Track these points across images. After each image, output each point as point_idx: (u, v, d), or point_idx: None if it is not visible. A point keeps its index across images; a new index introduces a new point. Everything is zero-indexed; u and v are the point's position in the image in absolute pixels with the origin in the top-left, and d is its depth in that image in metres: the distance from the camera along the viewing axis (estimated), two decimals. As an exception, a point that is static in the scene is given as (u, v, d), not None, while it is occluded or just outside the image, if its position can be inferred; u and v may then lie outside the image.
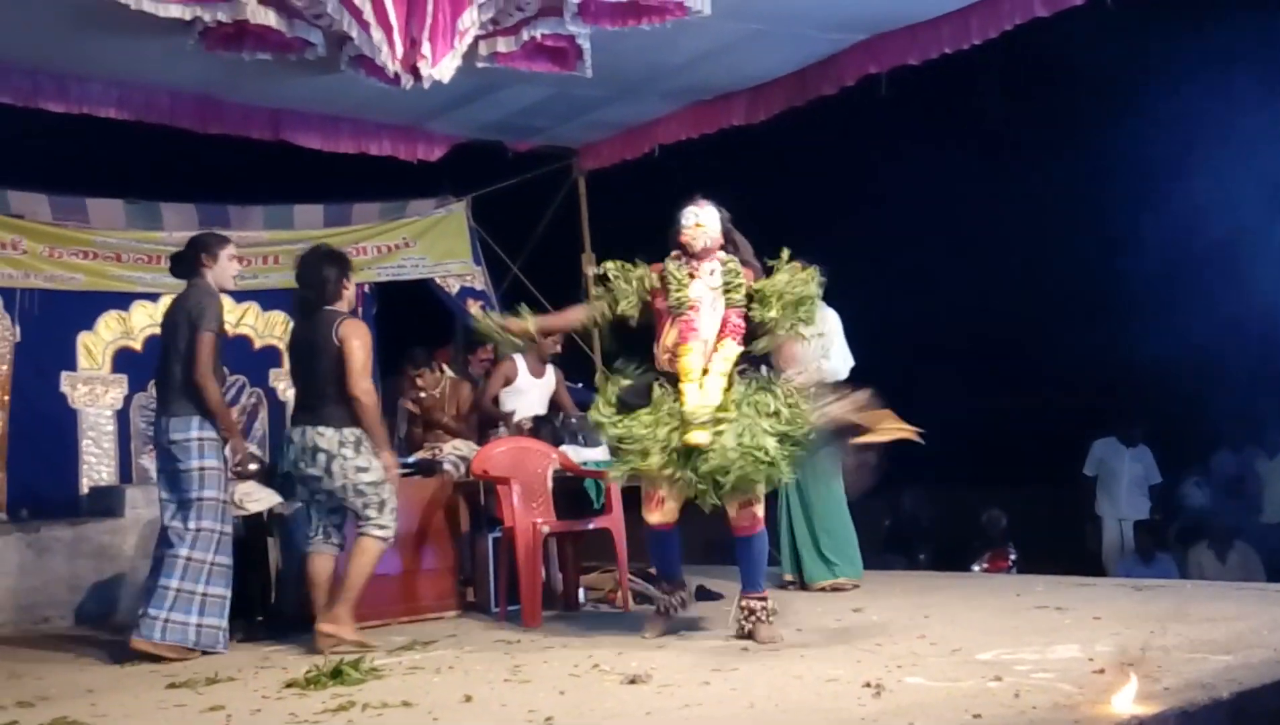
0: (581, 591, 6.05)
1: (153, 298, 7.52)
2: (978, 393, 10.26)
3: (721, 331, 4.68)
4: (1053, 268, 11.21)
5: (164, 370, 5.07)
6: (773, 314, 4.65)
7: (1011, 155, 10.31)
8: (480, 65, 5.95)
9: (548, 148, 8.42)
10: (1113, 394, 9.81)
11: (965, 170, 10.79)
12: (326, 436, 4.94)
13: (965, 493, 9.16)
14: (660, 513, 4.72)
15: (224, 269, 5.14)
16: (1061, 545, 9.35)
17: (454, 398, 6.98)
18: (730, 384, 4.59)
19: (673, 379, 4.65)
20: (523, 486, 5.70)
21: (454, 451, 6.51)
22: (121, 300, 7.52)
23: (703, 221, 4.77)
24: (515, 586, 5.65)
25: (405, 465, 6.38)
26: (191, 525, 4.88)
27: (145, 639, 4.79)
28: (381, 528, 4.99)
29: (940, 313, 11.17)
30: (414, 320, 8.68)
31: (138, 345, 7.54)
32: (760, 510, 4.65)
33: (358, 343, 4.96)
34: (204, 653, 4.85)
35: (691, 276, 4.74)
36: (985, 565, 8.01)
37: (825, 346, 6.02)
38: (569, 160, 8.56)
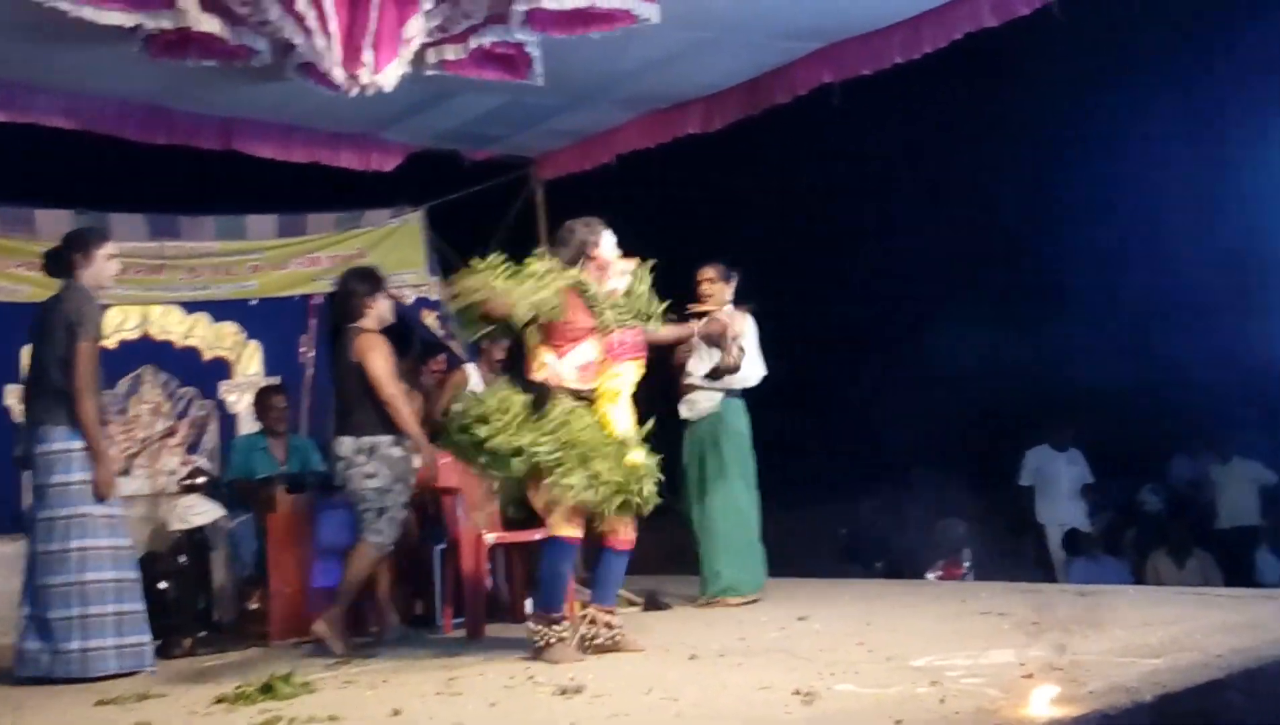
0: (529, 603, 6.01)
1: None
2: (932, 399, 10.31)
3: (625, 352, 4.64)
4: (1005, 274, 11.30)
5: (36, 377, 4.77)
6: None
7: (961, 163, 10.39)
8: (429, 73, 5.93)
9: (505, 157, 8.40)
10: (1065, 401, 9.87)
11: (915, 178, 10.88)
12: (345, 445, 5.20)
13: (923, 501, 9.17)
14: (578, 526, 4.57)
15: (100, 269, 4.92)
16: (1024, 550, 9.39)
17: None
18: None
19: (576, 395, 4.54)
20: (469, 497, 5.67)
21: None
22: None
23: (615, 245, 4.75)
24: (462, 598, 5.62)
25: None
26: (74, 545, 4.61)
27: (68, 676, 4.56)
28: (376, 533, 5.16)
29: (896, 319, 11.23)
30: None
31: (86, 357, 7.45)
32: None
33: (374, 354, 5.18)
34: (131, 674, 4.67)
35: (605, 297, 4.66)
36: (939, 573, 8.02)
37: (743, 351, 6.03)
38: (526, 169, 8.54)
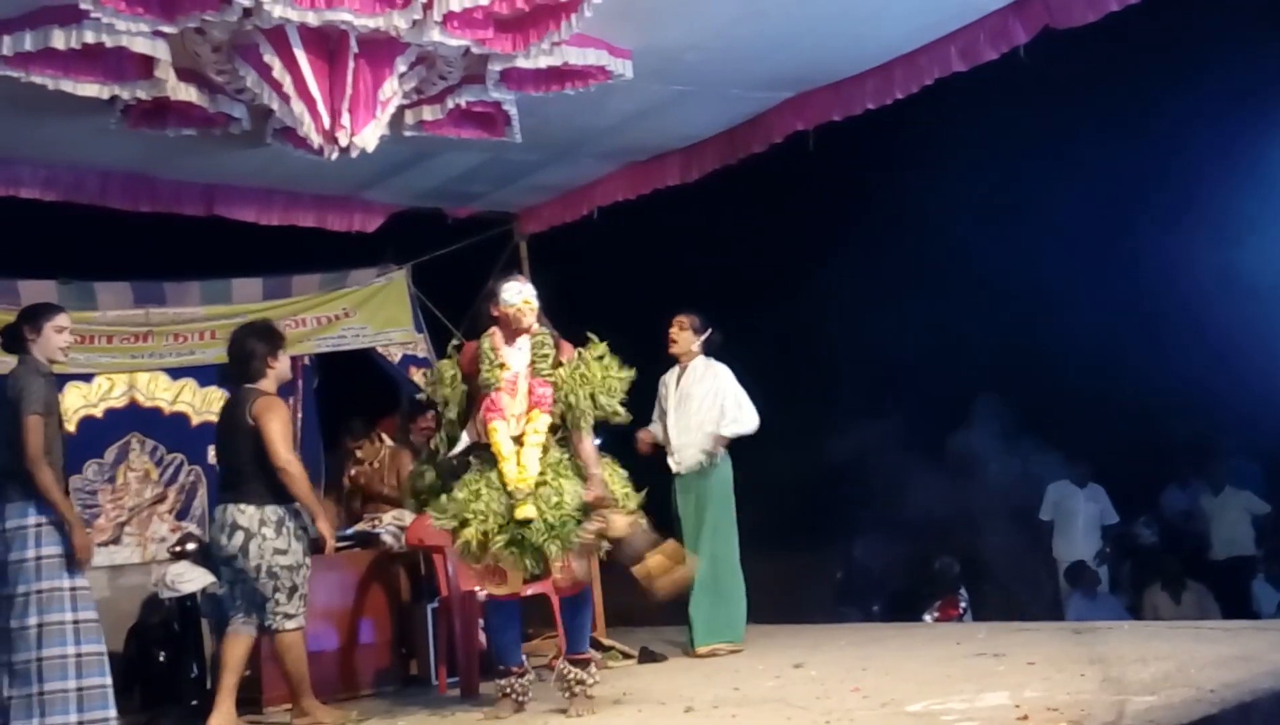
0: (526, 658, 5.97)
1: (86, 378, 7.47)
2: (926, 440, 10.30)
3: (530, 404, 4.67)
4: (996, 311, 11.35)
5: None
6: (582, 405, 4.67)
7: (942, 204, 10.48)
8: (408, 134, 5.99)
9: (488, 213, 8.44)
10: (1061, 436, 9.88)
11: (899, 220, 10.96)
12: (247, 514, 4.83)
13: (918, 541, 9.15)
14: (498, 583, 4.66)
15: (48, 341, 4.87)
16: (1022, 589, 9.35)
17: (394, 467, 6.94)
18: (546, 451, 4.63)
19: (487, 450, 4.64)
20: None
21: (394, 521, 6.47)
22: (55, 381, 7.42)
23: (530, 299, 4.80)
24: (455, 656, 5.59)
25: (344, 537, 6.34)
26: (32, 622, 4.55)
27: None
28: (289, 617, 4.84)
29: (885, 363, 11.25)
30: (356, 391, 8.62)
31: (71, 427, 7.39)
32: (580, 571, 4.66)
33: (271, 416, 4.87)
34: None
35: (499, 355, 4.74)
36: (936, 614, 7.99)
37: (720, 406, 6.05)
38: (509, 225, 8.58)
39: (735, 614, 5.93)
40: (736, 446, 6.22)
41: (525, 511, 4.47)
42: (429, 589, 5.97)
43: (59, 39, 4.76)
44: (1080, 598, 8.58)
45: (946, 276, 10.33)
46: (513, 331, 4.76)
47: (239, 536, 4.81)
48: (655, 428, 6.30)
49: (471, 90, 5.76)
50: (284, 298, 8.21)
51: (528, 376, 4.70)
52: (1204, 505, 9.51)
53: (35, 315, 4.94)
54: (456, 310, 8.84)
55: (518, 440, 4.61)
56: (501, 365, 4.70)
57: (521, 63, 5.45)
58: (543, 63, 5.49)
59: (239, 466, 4.93)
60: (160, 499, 7.52)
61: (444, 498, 4.66)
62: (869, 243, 11.04)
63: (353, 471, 6.86)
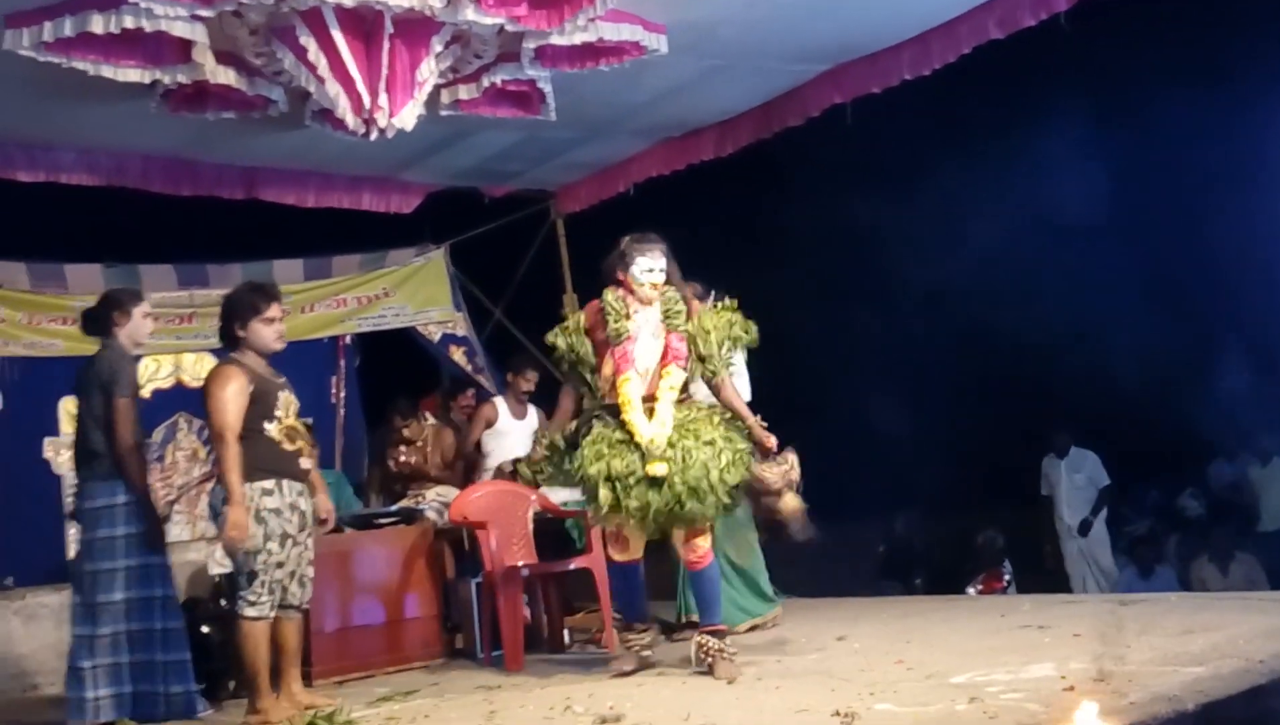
0: (567, 633, 6.02)
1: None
2: (971, 412, 10.24)
3: (664, 358, 4.62)
4: (1042, 284, 11.21)
5: (79, 435, 4.91)
6: (711, 352, 4.62)
7: (983, 175, 10.35)
8: (444, 113, 6.01)
9: (524, 192, 8.48)
10: (1104, 409, 9.77)
11: (938, 193, 10.84)
12: (219, 493, 4.55)
13: (961, 514, 9.10)
14: (621, 549, 4.70)
15: (138, 326, 4.99)
16: (1060, 562, 9.28)
17: (438, 445, 6.98)
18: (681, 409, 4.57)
19: (613, 410, 4.60)
20: (502, 530, 5.69)
21: (437, 498, 6.52)
22: (135, 364, 7.56)
23: (656, 274, 4.67)
24: (499, 630, 5.63)
25: (388, 514, 6.41)
26: (119, 596, 4.71)
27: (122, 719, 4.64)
28: (248, 603, 4.46)
29: (928, 335, 11.17)
30: (396, 370, 8.69)
31: (121, 407, 7.57)
32: (707, 542, 4.62)
33: (211, 386, 4.52)
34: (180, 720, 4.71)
35: (629, 307, 4.68)
36: (980, 587, 7.95)
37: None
38: (546, 203, 8.61)
39: (764, 582, 5.91)
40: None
41: (657, 469, 4.38)
42: (473, 564, 6.02)
43: (98, 24, 4.81)
44: (1133, 573, 8.49)
45: (989, 250, 10.21)
46: (637, 299, 4.70)
47: (219, 517, 4.55)
48: None
49: (507, 68, 5.77)
50: (324, 278, 8.30)
51: (661, 332, 4.63)
52: (1252, 477, 9.40)
53: (124, 300, 5.01)
54: (495, 288, 8.90)
55: (648, 399, 4.54)
56: (628, 316, 4.62)
57: (556, 39, 5.44)
58: (577, 39, 5.49)
59: (211, 442, 4.69)
60: (209, 477, 7.60)
61: (568, 464, 4.58)
62: (908, 214, 10.94)
63: (401, 454, 6.89)
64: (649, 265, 4.67)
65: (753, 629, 5.70)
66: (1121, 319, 10.56)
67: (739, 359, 5.76)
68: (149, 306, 5.10)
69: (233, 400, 4.45)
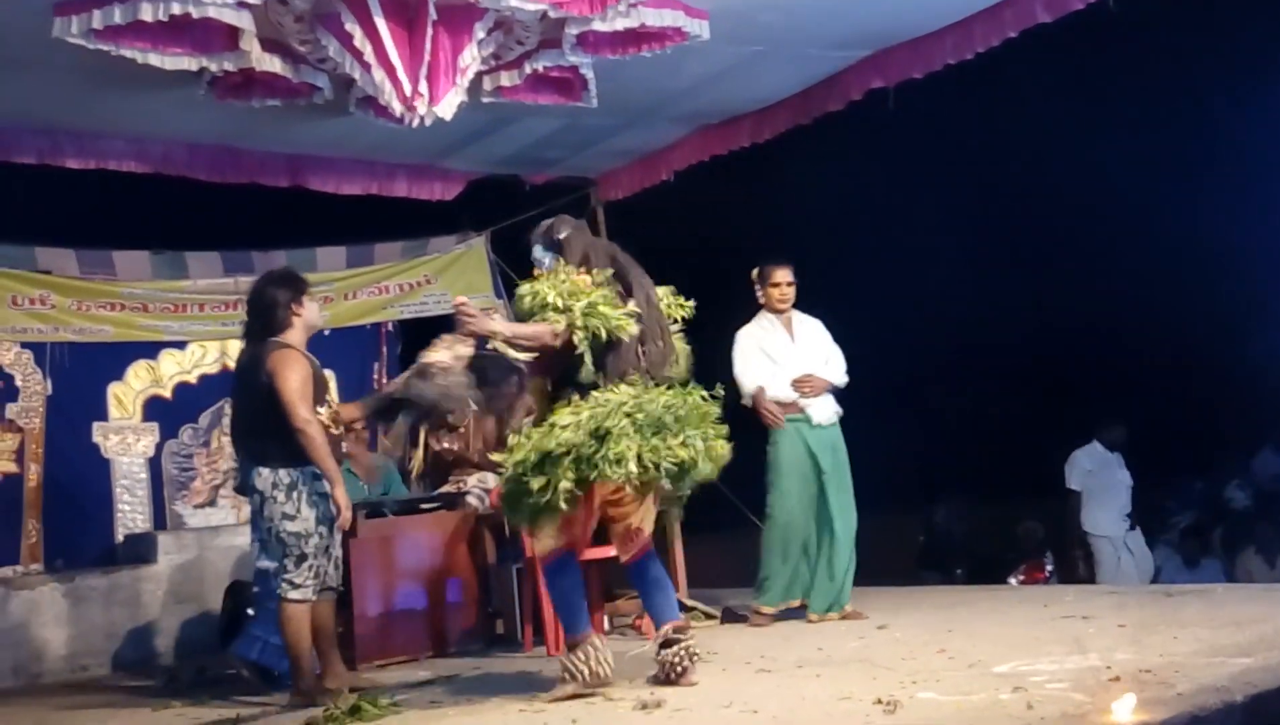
0: (606, 619, 6.04)
1: (180, 346, 7.70)
2: (1010, 402, 10.15)
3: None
4: (1087, 274, 11.10)
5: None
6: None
7: (1024, 161, 10.24)
8: (486, 100, 6.02)
9: (565, 179, 8.47)
10: (1144, 396, 9.65)
11: (979, 178, 10.74)
12: (263, 476, 4.59)
13: (1001, 505, 9.01)
14: (622, 549, 4.52)
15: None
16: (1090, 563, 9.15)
17: (479, 432, 7.01)
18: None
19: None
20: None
21: (479, 484, 6.55)
22: (150, 349, 7.64)
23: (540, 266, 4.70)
24: (540, 616, 5.66)
25: (431, 499, 6.45)
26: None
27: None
28: (294, 586, 4.56)
29: (966, 325, 11.07)
30: (438, 357, 8.71)
31: (167, 393, 7.68)
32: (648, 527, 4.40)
33: (287, 372, 4.53)
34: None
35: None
36: (1021, 577, 7.89)
37: (826, 357, 5.97)
38: (587, 190, 8.60)
39: (849, 579, 5.83)
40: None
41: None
42: (514, 551, 6.05)
43: (147, 11, 4.84)
44: (1179, 564, 8.38)
45: (1033, 237, 10.11)
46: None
47: (255, 499, 4.64)
48: (765, 385, 5.91)
49: (548, 55, 5.76)
50: (367, 266, 8.35)
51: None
52: (1299, 467, 9.27)
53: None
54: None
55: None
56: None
57: (598, 25, 5.43)
58: (619, 25, 5.47)
59: (256, 427, 4.67)
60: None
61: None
62: (951, 203, 10.85)
63: (445, 442, 6.93)
64: (533, 257, 4.69)
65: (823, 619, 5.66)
66: (1170, 308, 10.44)
67: (825, 338, 5.75)
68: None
69: (306, 386, 4.54)
